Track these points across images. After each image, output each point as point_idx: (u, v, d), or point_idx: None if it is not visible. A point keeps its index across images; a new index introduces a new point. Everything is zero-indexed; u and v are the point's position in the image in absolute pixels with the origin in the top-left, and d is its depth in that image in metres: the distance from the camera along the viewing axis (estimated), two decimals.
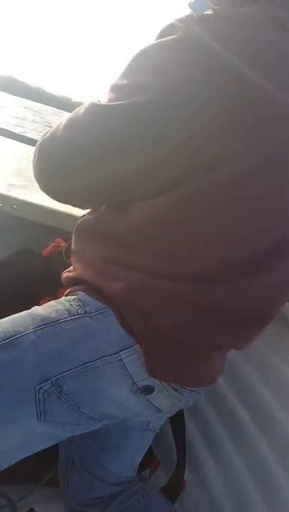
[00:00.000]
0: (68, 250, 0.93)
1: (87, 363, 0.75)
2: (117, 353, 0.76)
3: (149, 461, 1.22)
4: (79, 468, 1.01)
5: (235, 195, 0.70)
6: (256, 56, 0.66)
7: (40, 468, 1.11)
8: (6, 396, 0.73)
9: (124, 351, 0.76)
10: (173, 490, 1.14)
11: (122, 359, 0.76)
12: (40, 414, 0.75)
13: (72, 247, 0.89)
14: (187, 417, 1.22)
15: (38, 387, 0.74)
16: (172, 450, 1.19)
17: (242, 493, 1.08)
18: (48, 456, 1.06)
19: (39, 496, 1.11)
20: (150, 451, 1.24)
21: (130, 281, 0.75)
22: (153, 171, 0.71)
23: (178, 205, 0.72)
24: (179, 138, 0.67)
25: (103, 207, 0.84)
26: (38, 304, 0.84)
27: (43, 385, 0.74)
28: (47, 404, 0.74)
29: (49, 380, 0.74)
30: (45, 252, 1.14)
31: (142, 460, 1.08)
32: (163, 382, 0.79)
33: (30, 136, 1.71)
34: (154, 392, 0.80)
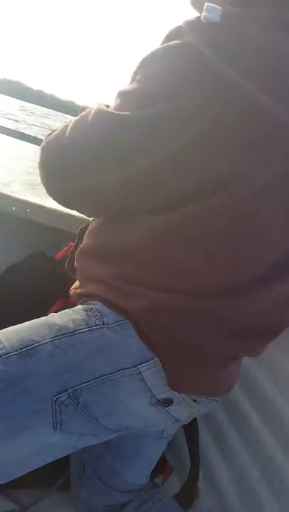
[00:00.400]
0: (71, 264, 0.92)
1: (105, 375, 0.74)
2: (136, 366, 0.74)
3: (161, 467, 1.20)
4: (91, 476, 1.00)
5: (247, 211, 0.70)
6: (259, 69, 0.66)
7: (52, 473, 1.11)
8: (22, 406, 0.73)
9: (144, 364, 0.75)
10: (186, 497, 1.12)
11: (140, 372, 0.75)
12: (57, 424, 0.74)
13: (76, 264, 0.87)
14: (201, 424, 1.21)
15: (54, 399, 0.73)
16: (185, 457, 1.18)
17: (256, 502, 1.06)
18: (61, 462, 1.05)
19: (51, 502, 1.10)
20: (163, 457, 1.23)
21: (146, 299, 0.74)
22: (160, 185, 0.71)
23: (187, 222, 0.71)
24: (187, 156, 0.67)
25: (104, 224, 0.83)
26: (50, 308, 0.84)
27: (60, 396, 0.73)
28: (63, 415, 0.74)
29: (66, 391, 0.73)
30: (58, 256, 1.14)
31: (154, 467, 1.07)
32: (182, 394, 0.78)
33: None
34: (173, 404, 0.79)
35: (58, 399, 0.73)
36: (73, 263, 0.89)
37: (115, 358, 0.75)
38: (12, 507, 1.07)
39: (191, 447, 1.15)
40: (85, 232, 0.90)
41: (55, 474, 1.12)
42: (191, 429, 1.14)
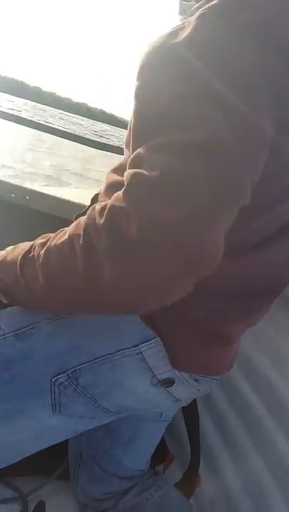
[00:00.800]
0: None
1: (105, 355, 0.73)
2: (137, 345, 0.73)
3: (162, 456, 1.20)
4: (89, 462, 0.99)
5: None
6: None
7: (52, 461, 1.10)
8: (20, 388, 0.72)
9: (144, 344, 0.73)
10: (187, 486, 1.11)
11: (141, 352, 0.73)
12: (56, 406, 0.73)
13: None
14: (202, 411, 1.20)
15: (53, 380, 0.72)
16: (187, 445, 1.17)
17: (259, 489, 1.04)
18: (61, 450, 1.04)
19: (50, 490, 1.09)
20: (164, 446, 1.22)
21: None
22: None
23: None
24: None
25: None
26: None
27: (59, 377, 0.72)
28: (62, 396, 0.73)
29: (65, 372, 0.72)
30: None
31: (155, 455, 1.06)
32: (184, 374, 0.77)
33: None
34: (175, 384, 0.77)
35: (56, 380, 0.72)
36: None
37: (115, 338, 0.73)
38: (11, 494, 1.06)
39: (192, 434, 1.14)
40: None
41: (54, 463, 1.11)
42: (191, 415, 1.13)
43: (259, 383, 1.14)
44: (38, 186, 1.62)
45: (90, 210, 0.54)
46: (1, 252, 0.75)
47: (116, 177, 0.80)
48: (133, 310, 0.59)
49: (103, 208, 0.51)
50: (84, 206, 0.95)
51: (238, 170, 0.50)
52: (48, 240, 0.61)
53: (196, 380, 0.79)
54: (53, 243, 0.58)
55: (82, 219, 0.55)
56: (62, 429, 0.80)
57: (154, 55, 0.57)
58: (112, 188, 0.82)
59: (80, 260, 0.52)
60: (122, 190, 0.51)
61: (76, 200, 1.33)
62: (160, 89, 0.54)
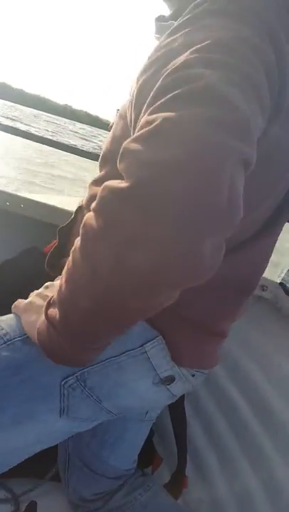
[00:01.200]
0: (50, 263, 0.90)
1: (111, 357, 0.74)
2: (142, 345, 0.75)
3: (151, 458, 1.22)
4: (77, 464, 1.01)
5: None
6: None
7: (44, 463, 1.12)
8: (29, 392, 0.72)
9: (149, 343, 0.75)
10: (175, 487, 1.14)
11: (146, 351, 0.75)
12: (63, 409, 0.74)
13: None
14: (190, 414, 1.23)
15: (63, 382, 0.73)
16: (174, 448, 1.20)
17: (245, 491, 1.08)
18: (53, 452, 1.07)
19: (42, 491, 1.11)
20: (152, 448, 1.25)
21: None
22: None
23: None
24: None
25: None
26: None
27: (68, 379, 0.73)
28: (71, 399, 0.74)
29: (74, 374, 0.73)
30: (46, 250, 1.15)
31: (144, 458, 1.09)
32: (183, 370, 0.79)
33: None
34: (175, 381, 0.80)
35: (66, 382, 0.73)
36: (53, 262, 0.89)
37: (121, 340, 0.72)
38: (4, 495, 1.08)
39: (179, 436, 1.17)
40: (64, 232, 0.89)
41: (47, 464, 1.14)
42: (178, 418, 1.16)
43: (246, 387, 1.18)
44: (33, 194, 1.61)
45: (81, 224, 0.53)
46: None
47: (98, 189, 0.83)
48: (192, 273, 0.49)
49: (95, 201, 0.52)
50: None
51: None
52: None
53: (193, 375, 0.82)
54: (66, 271, 0.58)
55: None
56: (64, 432, 0.81)
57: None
58: (94, 199, 0.85)
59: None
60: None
61: (70, 208, 1.36)
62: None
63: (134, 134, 0.54)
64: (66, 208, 1.34)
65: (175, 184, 0.44)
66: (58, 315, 0.59)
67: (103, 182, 0.74)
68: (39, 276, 1.18)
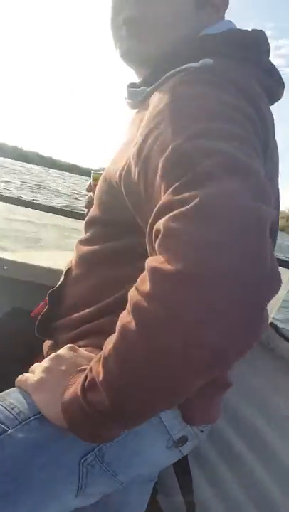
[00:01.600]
0: (41, 328, 0.89)
1: None
2: None
3: None
4: None
5: None
6: None
7: None
8: (51, 474, 0.67)
9: None
10: None
11: (159, 415, 0.73)
12: (81, 488, 0.70)
13: None
14: (193, 466, 1.19)
15: (82, 460, 0.69)
16: (181, 503, 1.15)
17: None
18: None
19: None
20: (158, 507, 1.20)
21: None
22: None
23: None
24: None
25: None
26: (32, 364, 0.82)
27: (87, 456, 0.69)
28: (89, 477, 0.70)
29: (93, 450, 0.69)
30: (34, 313, 1.12)
31: None
32: (194, 428, 0.77)
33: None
34: (187, 442, 0.77)
35: (85, 460, 0.69)
36: (43, 326, 0.88)
37: None
38: None
39: (185, 491, 1.12)
40: (55, 296, 0.88)
41: None
42: (183, 472, 1.12)
43: (246, 431, 1.16)
44: (15, 254, 1.60)
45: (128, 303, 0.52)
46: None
47: (87, 248, 0.84)
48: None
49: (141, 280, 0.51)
50: (62, 272, 0.98)
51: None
52: (99, 357, 0.56)
53: (202, 431, 0.80)
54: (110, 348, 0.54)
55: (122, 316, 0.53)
56: (75, 509, 0.76)
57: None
58: (84, 260, 0.85)
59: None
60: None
61: (53, 267, 1.36)
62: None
63: (149, 201, 0.59)
64: (50, 266, 1.35)
65: (232, 263, 0.46)
66: (107, 402, 0.54)
67: (90, 242, 0.83)
68: (24, 336, 1.17)
